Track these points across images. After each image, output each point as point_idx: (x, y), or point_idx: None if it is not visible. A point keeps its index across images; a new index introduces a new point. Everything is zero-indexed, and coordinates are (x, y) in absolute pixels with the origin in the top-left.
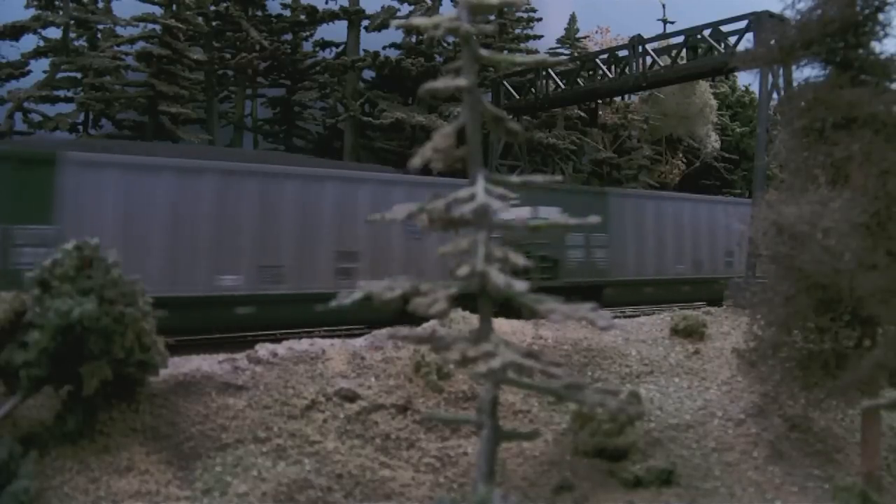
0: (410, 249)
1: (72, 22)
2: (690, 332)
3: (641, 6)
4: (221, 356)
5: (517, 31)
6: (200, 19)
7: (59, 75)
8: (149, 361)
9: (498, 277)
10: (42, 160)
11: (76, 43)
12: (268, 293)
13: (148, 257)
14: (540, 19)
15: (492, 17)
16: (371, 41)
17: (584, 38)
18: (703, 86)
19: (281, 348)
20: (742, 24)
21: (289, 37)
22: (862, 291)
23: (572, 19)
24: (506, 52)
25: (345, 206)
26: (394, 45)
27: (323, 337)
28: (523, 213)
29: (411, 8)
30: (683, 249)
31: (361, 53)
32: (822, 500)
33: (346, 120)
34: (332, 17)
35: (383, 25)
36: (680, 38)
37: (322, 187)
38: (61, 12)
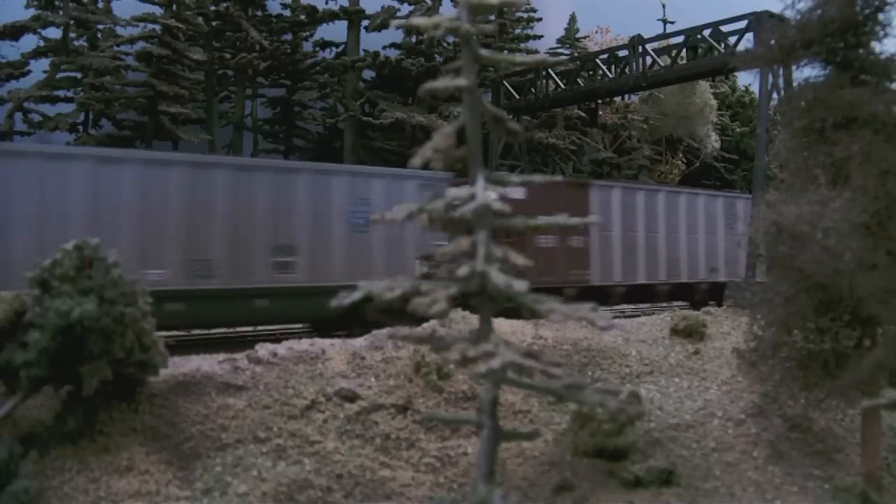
0: None
1: (72, 22)
2: (690, 332)
3: (641, 6)
4: (221, 356)
5: (517, 31)
6: (200, 19)
7: (59, 75)
8: (149, 361)
9: (498, 277)
10: None
11: (76, 43)
12: None
13: None
14: (540, 19)
15: (492, 17)
16: (371, 41)
17: (584, 38)
18: (703, 86)
19: (281, 348)
20: (742, 24)
21: (289, 37)
22: (862, 291)
23: (572, 19)
24: (506, 52)
25: None
26: (394, 45)
27: (323, 337)
28: None
29: (411, 8)
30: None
31: (361, 53)
32: (822, 500)
33: (346, 120)
34: (332, 17)
35: (383, 25)
36: (680, 38)
37: None
38: (61, 12)
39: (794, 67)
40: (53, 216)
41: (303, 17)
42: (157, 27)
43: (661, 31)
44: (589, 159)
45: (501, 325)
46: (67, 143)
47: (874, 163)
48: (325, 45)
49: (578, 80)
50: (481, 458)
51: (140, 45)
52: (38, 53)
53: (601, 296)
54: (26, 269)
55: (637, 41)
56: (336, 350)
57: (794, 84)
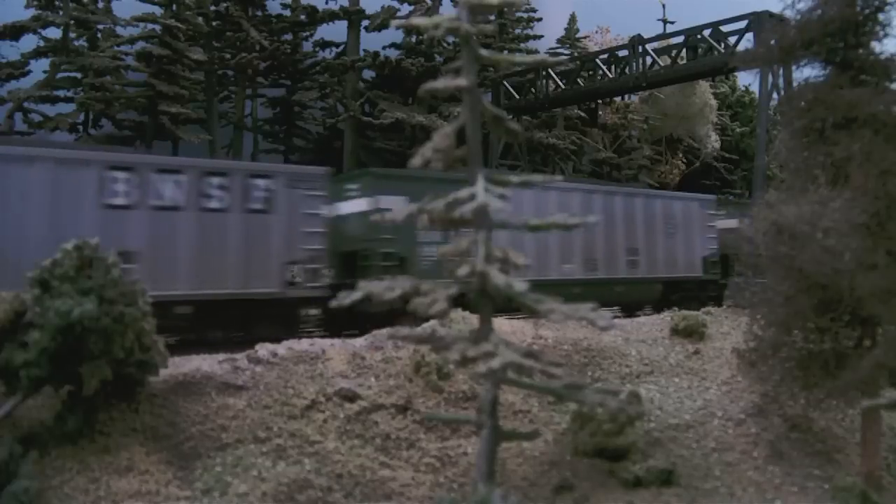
0: None
1: (72, 22)
2: (690, 332)
3: (641, 6)
4: (221, 356)
5: (517, 31)
6: (200, 19)
7: (59, 75)
8: (149, 361)
9: (498, 277)
10: None
11: (76, 43)
12: None
13: None
14: (540, 19)
15: (492, 17)
16: (371, 41)
17: (584, 38)
18: (703, 86)
19: (281, 348)
20: (742, 24)
21: (289, 37)
22: (862, 291)
23: (572, 19)
24: (506, 52)
25: None
26: (394, 45)
27: (323, 337)
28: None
29: (411, 8)
30: None
31: (361, 53)
32: (822, 500)
33: (346, 120)
34: (332, 17)
35: (383, 25)
36: (680, 38)
37: None
38: (61, 12)
39: (794, 67)
40: None
41: (303, 17)
42: (157, 27)
43: (661, 31)
44: (589, 159)
45: (501, 325)
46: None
47: (874, 163)
48: (325, 45)
49: (578, 80)
50: (481, 458)
51: (140, 45)
52: (38, 53)
53: None
54: None
55: (637, 41)
56: (336, 350)
57: (794, 84)
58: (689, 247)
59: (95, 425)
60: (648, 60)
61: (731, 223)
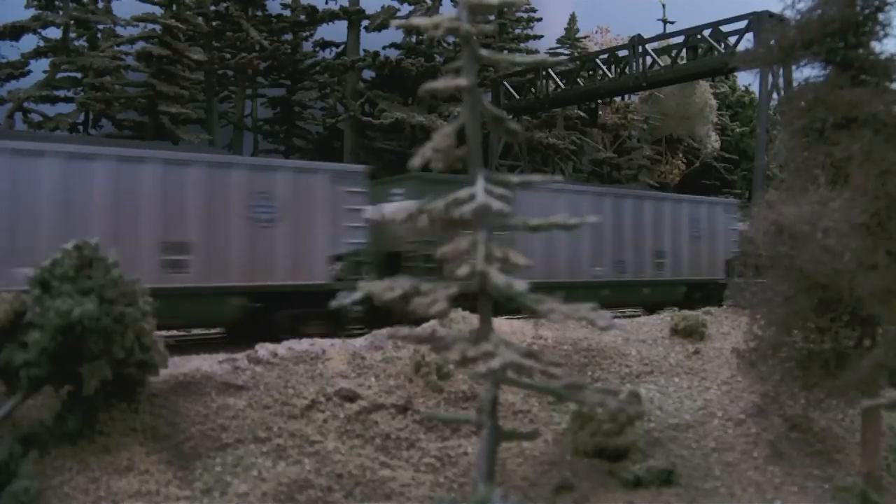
0: None
1: (72, 22)
2: (690, 332)
3: (641, 6)
4: (221, 356)
5: (517, 31)
6: (200, 19)
7: (59, 75)
8: (149, 361)
9: (498, 277)
10: None
11: (76, 43)
12: None
13: None
14: (540, 19)
15: (492, 17)
16: (371, 41)
17: (584, 38)
18: (703, 86)
19: (281, 348)
20: (742, 24)
21: (289, 37)
22: (862, 291)
23: (572, 19)
24: (506, 52)
25: None
26: (394, 45)
27: (323, 337)
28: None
29: (411, 8)
30: None
31: (361, 53)
32: (822, 500)
33: (346, 120)
34: (332, 17)
35: (383, 25)
36: (680, 38)
37: None
38: (61, 12)
39: (794, 67)
40: None
41: (303, 17)
42: (157, 27)
43: (661, 31)
44: (589, 159)
45: (501, 325)
46: None
47: (874, 163)
48: (325, 45)
49: (578, 80)
50: (481, 457)
51: (140, 45)
52: (38, 53)
53: None
54: None
55: (637, 41)
56: (336, 350)
57: (794, 84)
58: (300, 241)
59: (95, 425)
60: (648, 60)
61: (406, 207)
